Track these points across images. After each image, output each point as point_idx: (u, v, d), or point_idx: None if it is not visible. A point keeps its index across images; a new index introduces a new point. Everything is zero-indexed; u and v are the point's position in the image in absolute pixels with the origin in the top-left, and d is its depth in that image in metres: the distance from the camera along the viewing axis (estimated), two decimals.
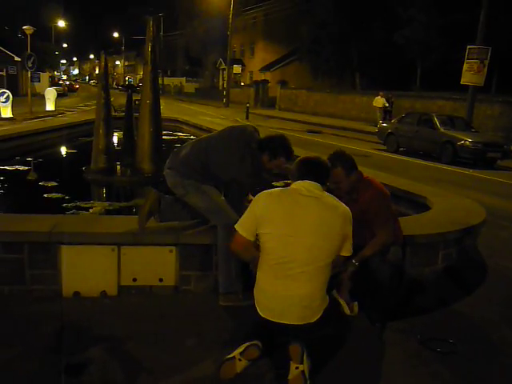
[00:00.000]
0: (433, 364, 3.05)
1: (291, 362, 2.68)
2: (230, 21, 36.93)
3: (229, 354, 2.79)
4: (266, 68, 47.77)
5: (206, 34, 52.86)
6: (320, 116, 30.59)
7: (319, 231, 2.76)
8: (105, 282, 3.77)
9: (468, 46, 17.35)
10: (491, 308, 3.92)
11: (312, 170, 2.93)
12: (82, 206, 5.57)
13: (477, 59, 17.14)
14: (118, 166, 7.45)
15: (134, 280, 3.82)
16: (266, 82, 41.54)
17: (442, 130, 14.79)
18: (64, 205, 5.57)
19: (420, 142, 15.39)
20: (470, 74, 17.35)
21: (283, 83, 38.93)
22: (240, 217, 2.97)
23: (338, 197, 3.01)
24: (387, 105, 23.89)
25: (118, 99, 21.05)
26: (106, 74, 7.07)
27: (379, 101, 23.90)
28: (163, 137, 7.96)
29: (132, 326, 3.35)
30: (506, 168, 13.67)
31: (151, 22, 6.99)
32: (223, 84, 46.64)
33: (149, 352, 3.01)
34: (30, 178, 7.53)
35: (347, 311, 3.41)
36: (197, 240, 3.84)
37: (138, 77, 69.90)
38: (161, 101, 7.50)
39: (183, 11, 54.70)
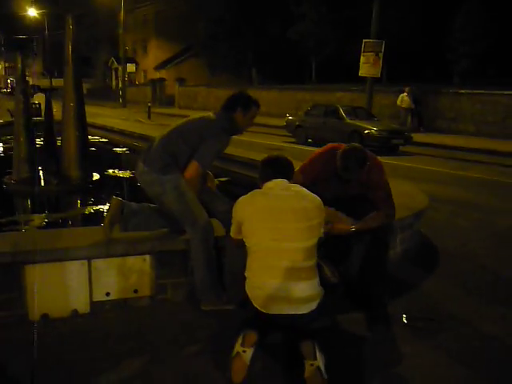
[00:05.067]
0: (430, 339, 3.21)
1: (305, 360, 2.67)
2: (122, 18, 35.73)
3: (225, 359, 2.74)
4: (160, 66, 46.93)
5: (94, 32, 50.78)
6: None
7: (301, 221, 2.87)
8: (76, 299, 3.50)
9: (364, 40, 18.23)
10: (456, 284, 4.18)
11: (277, 169, 3.07)
12: (21, 220, 5.12)
13: (372, 52, 18.09)
14: (42, 175, 6.95)
15: (108, 294, 3.59)
16: (162, 80, 40.93)
17: (348, 120, 15.48)
18: None
19: (328, 133, 15.91)
20: (367, 66, 18.28)
21: (181, 81, 38.51)
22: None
23: (345, 180, 3.60)
24: (412, 106, 18.81)
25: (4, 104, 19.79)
26: (23, 76, 6.54)
27: (405, 100, 18.80)
28: None
29: (108, 345, 3.13)
30: (407, 153, 14.61)
31: (70, 20, 6.59)
32: (117, 84, 45.16)
33: (130, 373, 2.83)
34: None
35: (330, 276, 3.35)
36: (173, 246, 3.68)
37: None
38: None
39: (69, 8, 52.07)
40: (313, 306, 2.82)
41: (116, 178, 7.84)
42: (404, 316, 3.48)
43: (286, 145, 15.96)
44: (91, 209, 5.90)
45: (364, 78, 18.99)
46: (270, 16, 32.26)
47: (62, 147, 6.79)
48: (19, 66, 6.49)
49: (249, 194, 3.03)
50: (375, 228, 3.60)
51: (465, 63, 24.54)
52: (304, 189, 3.04)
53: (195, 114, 3.84)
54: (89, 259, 3.49)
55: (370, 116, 16.49)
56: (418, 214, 4.81)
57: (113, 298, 3.60)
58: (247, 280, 2.93)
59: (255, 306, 2.84)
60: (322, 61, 31.61)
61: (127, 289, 3.63)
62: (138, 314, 3.57)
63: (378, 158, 3.87)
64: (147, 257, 3.63)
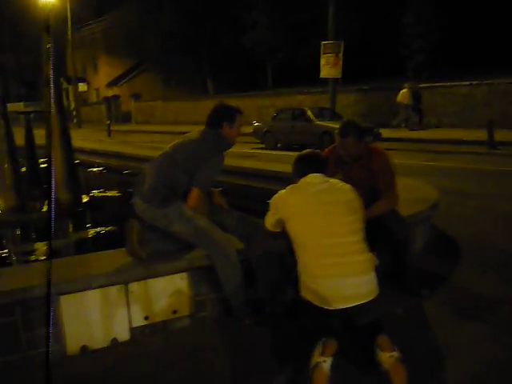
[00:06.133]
0: (484, 324, 3.21)
1: (382, 353, 2.60)
2: (70, 37, 34.95)
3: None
4: (113, 83, 46.19)
5: (38, 53, 49.54)
6: (183, 124, 30.36)
7: (350, 214, 2.86)
8: (114, 327, 3.31)
9: (322, 42, 18.38)
10: (485, 271, 4.20)
11: (313, 164, 3.06)
12: (27, 250, 4.84)
13: (332, 53, 18.27)
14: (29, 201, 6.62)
15: (146, 318, 3.41)
16: (117, 97, 40.27)
17: (316, 122, 15.59)
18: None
19: (297, 136, 16.02)
20: (328, 68, 18.44)
21: (136, 96, 38.01)
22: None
23: (346, 162, 3.71)
24: (409, 102, 18.12)
25: None
26: (3, 100, 6.23)
27: (405, 95, 18.19)
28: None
29: (157, 373, 2.96)
30: None
31: (48, 39, 6.33)
32: (68, 104, 44.09)
33: None
34: None
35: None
36: (208, 261, 3.51)
37: None
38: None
39: (9, 30, 50.71)
40: (372, 297, 2.75)
41: (106, 198, 7.58)
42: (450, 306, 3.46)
43: (256, 151, 15.90)
44: (92, 232, 5.67)
45: (321, 80, 19.15)
46: (221, 25, 32.27)
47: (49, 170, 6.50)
48: None
49: (287, 189, 3.02)
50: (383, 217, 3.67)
51: (419, 58, 25.16)
52: (340, 181, 3.03)
53: (180, 138, 3.70)
54: (125, 283, 3.31)
55: (336, 116, 16.65)
56: (433, 205, 4.82)
57: (152, 321, 3.42)
58: (303, 282, 2.81)
59: (318, 305, 2.71)
60: (276, 65, 31.83)
61: (166, 310, 3.46)
62: (181, 335, 3.42)
63: None
64: (184, 274, 3.48)
